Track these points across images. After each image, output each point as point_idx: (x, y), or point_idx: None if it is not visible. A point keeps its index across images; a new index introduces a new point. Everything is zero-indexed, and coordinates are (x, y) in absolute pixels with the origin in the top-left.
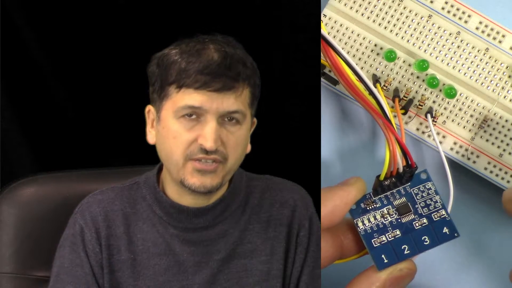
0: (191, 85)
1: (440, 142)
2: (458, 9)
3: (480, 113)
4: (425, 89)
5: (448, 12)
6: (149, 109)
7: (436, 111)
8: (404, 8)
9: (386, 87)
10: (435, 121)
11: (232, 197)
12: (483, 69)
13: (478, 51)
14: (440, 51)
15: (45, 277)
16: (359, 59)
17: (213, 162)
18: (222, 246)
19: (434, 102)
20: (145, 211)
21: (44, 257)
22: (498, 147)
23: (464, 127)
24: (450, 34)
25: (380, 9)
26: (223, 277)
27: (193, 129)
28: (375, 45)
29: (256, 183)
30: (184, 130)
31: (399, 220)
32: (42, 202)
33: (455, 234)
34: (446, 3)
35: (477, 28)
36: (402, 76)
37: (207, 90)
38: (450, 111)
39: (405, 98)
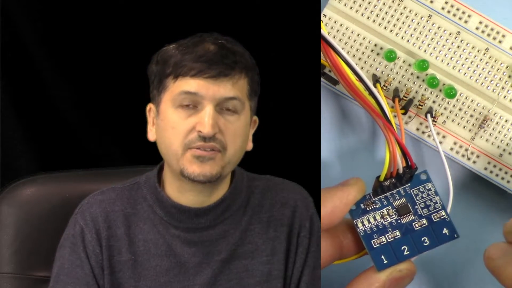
0: (187, 73)
1: (440, 142)
2: (458, 9)
3: (480, 113)
4: (425, 89)
5: (448, 12)
6: (150, 107)
7: (436, 111)
8: (404, 8)
9: (386, 87)
10: (435, 121)
11: (233, 197)
12: (483, 69)
13: (478, 51)
14: (440, 51)
15: (45, 277)
16: (359, 59)
17: (212, 150)
18: (223, 246)
19: (434, 102)
20: (145, 212)
21: (44, 257)
22: (498, 147)
23: (464, 127)
24: (450, 34)
25: (380, 9)
26: (224, 277)
27: (190, 118)
28: (375, 45)
29: (257, 183)
30: (182, 119)
31: (399, 221)
32: (42, 202)
33: (455, 235)
34: (446, 3)
35: (477, 28)
36: (402, 76)
37: (203, 77)
38: (450, 111)
39: (405, 98)
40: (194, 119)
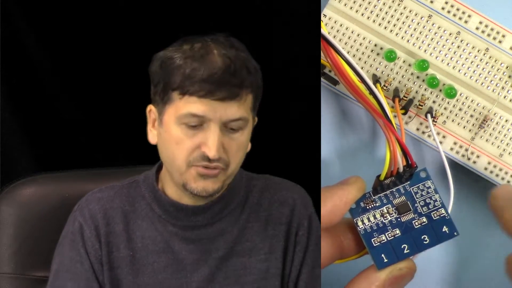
0: (195, 93)
1: (440, 142)
2: (458, 9)
3: (480, 113)
4: (425, 89)
5: (448, 12)
6: (150, 109)
7: (436, 111)
8: (404, 8)
9: (386, 87)
10: (435, 121)
11: (231, 196)
12: (483, 69)
13: (478, 51)
14: (440, 51)
15: (44, 277)
16: (359, 59)
17: (215, 168)
18: (221, 244)
19: (434, 102)
20: (144, 209)
21: (44, 257)
22: (498, 147)
23: (464, 127)
24: (450, 34)
25: (380, 9)
26: (221, 275)
27: (195, 136)
28: (375, 45)
29: (256, 182)
30: (186, 137)
31: (399, 219)
32: (42, 202)
33: (455, 233)
34: (446, 3)
35: (477, 28)
36: (402, 76)
37: (210, 99)
38: (450, 111)
39: (405, 98)
40: (199, 139)
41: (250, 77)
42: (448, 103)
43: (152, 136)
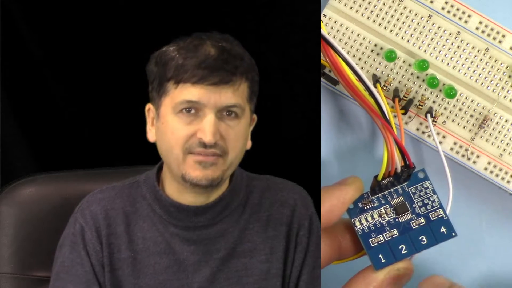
0: (189, 80)
1: (440, 142)
2: (458, 9)
3: (480, 113)
4: (425, 89)
5: (448, 12)
6: (149, 108)
7: (436, 111)
8: (404, 8)
9: (386, 87)
10: (435, 121)
11: (232, 196)
12: (483, 69)
13: (478, 51)
14: (440, 51)
15: (44, 277)
16: (359, 59)
17: (213, 155)
18: (222, 245)
19: (434, 102)
20: (145, 210)
21: (44, 257)
22: (498, 147)
23: (464, 127)
24: (450, 34)
25: (380, 9)
26: (223, 276)
27: (191, 124)
28: (375, 45)
29: (256, 182)
30: (182, 125)
31: (397, 220)
32: (41, 202)
33: (453, 234)
34: (446, 3)
35: (477, 28)
36: (402, 76)
37: (204, 85)
38: (450, 111)
39: (405, 98)
40: (195, 126)
41: (244, 65)
42: (448, 103)
43: (151, 135)
